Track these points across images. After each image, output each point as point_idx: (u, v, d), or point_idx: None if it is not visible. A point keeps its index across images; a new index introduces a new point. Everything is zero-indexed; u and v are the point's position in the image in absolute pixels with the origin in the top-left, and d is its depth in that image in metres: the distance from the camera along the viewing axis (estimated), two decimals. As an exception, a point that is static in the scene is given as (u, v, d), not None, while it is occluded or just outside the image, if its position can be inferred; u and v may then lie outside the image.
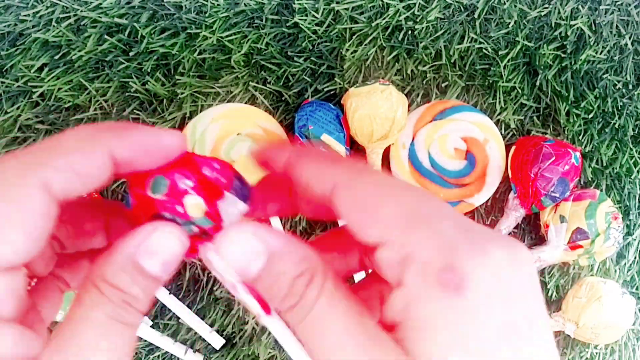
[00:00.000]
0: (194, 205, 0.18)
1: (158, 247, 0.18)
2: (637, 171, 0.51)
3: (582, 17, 0.52)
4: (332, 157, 0.19)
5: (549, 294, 0.50)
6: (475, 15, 0.51)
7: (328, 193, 0.18)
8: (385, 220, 0.16)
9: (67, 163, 0.16)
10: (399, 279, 0.16)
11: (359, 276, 0.47)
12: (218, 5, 0.49)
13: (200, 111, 0.49)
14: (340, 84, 0.50)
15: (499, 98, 0.51)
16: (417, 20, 0.51)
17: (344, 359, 0.16)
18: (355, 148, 0.50)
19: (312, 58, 0.50)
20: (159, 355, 0.48)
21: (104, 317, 0.16)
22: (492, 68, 0.51)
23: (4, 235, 0.15)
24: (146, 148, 0.18)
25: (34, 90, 0.48)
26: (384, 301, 0.20)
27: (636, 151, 0.51)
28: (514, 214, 0.48)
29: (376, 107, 0.45)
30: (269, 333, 0.48)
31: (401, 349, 0.15)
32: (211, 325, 0.48)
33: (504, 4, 0.51)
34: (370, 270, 0.21)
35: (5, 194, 0.16)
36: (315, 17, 0.50)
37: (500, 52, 0.51)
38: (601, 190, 0.50)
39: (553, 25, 0.52)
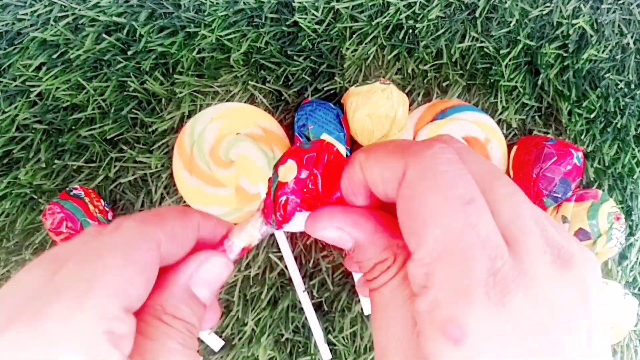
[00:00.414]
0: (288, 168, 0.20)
1: (209, 275, 0.20)
2: (640, 171, 0.51)
3: (583, 16, 0.51)
4: (401, 146, 0.18)
5: (551, 295, 0.50)
6: (477, 14, 0.51)
7: (396, 186, 0.18)
8: (424, 238, 0.16)
9: (172, 230, 0.19)
10: (416, 294, 0.16)
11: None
12: (217, 3, 0.49)
13: (199, 110, 0.49)
14: (340, 83, 0.50)
15: (501, 97, 0.51)
16: (418, 19, 0.50)
17: (383, 342, 0.17)
18: (356, 148, 0.49)
19: (312, 57, 0.50)
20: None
21: (180, 346, 0.18)
22: (493, 67, 0.51)
23: (134, 280, 0.17)
24: (215, 232, 0.22)
25: (31, 89, 0.48)
26: None
27: (638, 151, 0.51)
28: (516, 215, 0.48)
29: (376, 107, 0.45)
30: (268, 334, 0.48)
31: None
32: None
33: (505, 2, 0.51)
34: None
35: (134, 248, 0.18)
36: (315, 16, 0.50)
37: (501, 51, 0.51)
38: (603, 191, 0.49)
39: (555, 24, 0.51)
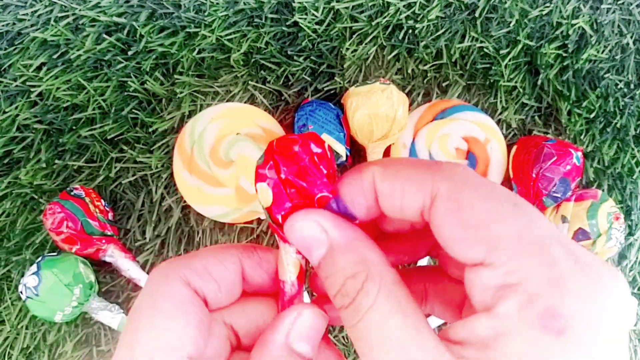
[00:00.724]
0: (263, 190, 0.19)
1: (308, 329, 0.19)
2: (639, 171, 0.51)
3: (583, 16, 0.52)
4: (427, 163, 0.18)
5: (551, 294, 0.50)
6: (476, 14, 0.51)
7: (427, 204, 0.17)
8: (493, 241, 0.15)
9: (203, 265, 0.19)
10: (491, 303, 0.15)
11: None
12: (217, 4, 0.49)
13: (200, 110, 0.49)
14: (340, 83, 0.50)
15: (500, 97, 0.51)
16: (418, 19, 0.51)
17: None
18: (356, 148, 0.50)
19: (312, 57, 0.50)
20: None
21: None
22: (493, 67, 0.51)
23: (167, 325, 0.17)
24: (270, 271, 0.20)
25: (32, 89, 0.48)
26: (427, 297, 0.21)
27: (638, 151, 0.51)
28: (515, 214, 0.48)
29: (377, 107, 0.45)
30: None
31: None
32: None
33: (505, 2, 0.51)
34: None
35: (155, 290, 0.18)
36: (315, 16, 0.50)
37: (501, 52, 0.51)
38: (603, 191, 0.49)
39: (554, 24, 0.52)
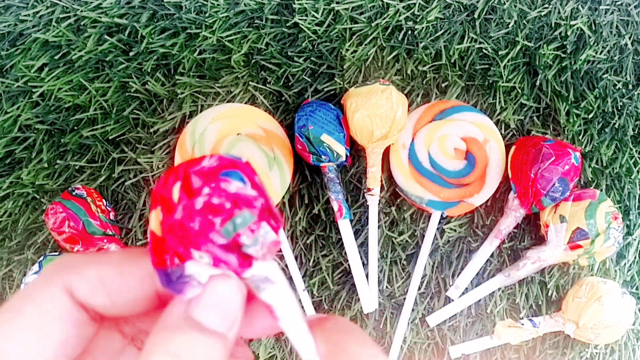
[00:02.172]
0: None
1: (214, 297, 0.16)
2: (637, 171, 0.51)
3: (582, 17, 0.52)
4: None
5: (549, 294, 0.50)
6: (475, 15, 0.51)
7: None
8: None
9: (98, 275, 0.16)
10: None
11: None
12: (218, 5, 0.49)
13: (200, 111, 0.49)
14: (340, 84, 0.50)
15: (499, 98, 0.51)
16: (417, 20, 0.51)
17: None
18: (355, 148, 0.50)
19: (312, 58, 0.50)
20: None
21: None
22: (492, 68, 0.51)
23: (12, 334, 0.15)
24: None
25: (34, 90, 0.48)
26: None
27: (636, 151, 0.51)
28: (514, 214, 0.48)
29: (376, 107, 0.45)
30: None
31: None
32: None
33: (504, 4, 0.51)
34: None
35: (28, 293, 0.16)
36: (315, 17, 0.50)
37: (500, 52, 0.51)
38: (601, 190, 0.50)
39: (553, 25, 0.52)
